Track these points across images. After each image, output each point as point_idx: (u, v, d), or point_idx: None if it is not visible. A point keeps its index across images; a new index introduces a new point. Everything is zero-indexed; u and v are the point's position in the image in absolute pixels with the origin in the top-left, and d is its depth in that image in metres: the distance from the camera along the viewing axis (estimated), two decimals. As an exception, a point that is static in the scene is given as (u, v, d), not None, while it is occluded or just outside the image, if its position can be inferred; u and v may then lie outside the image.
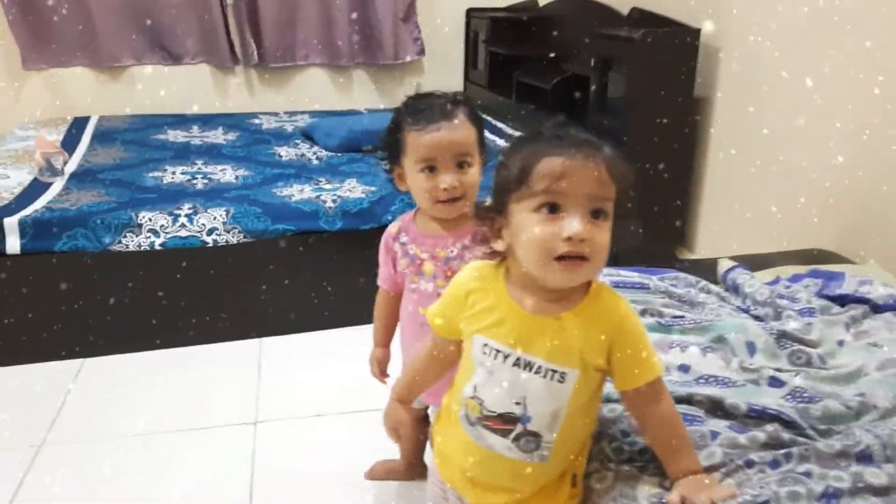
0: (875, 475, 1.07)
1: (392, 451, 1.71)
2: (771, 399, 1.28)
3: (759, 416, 1.23)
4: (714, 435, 1.18)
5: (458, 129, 1.34)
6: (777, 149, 2.43)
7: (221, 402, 2.13)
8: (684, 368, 1.39)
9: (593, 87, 2.95)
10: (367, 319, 1.60)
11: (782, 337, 1.48)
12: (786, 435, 1.18)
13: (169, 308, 2.39)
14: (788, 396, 1.30)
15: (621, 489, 1.08)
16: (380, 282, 1.54)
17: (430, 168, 1.34)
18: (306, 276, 2.51)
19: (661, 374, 1.03)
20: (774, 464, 1.13)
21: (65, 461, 1.89)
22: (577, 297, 1.01)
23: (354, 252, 2.54)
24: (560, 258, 0.94)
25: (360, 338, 2.45)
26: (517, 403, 1.02)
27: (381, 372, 1.61)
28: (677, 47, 2.69)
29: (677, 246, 2.96)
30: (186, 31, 3.70)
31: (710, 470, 1.09)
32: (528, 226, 0.96)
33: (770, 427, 1.19)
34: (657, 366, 1.02)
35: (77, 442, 1.96)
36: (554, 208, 0.95)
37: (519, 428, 1.02)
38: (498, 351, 1.02)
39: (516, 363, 1.01)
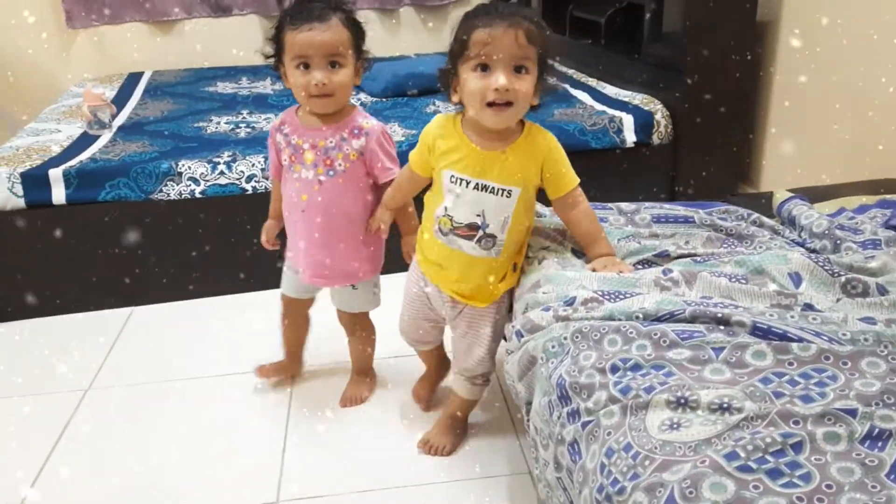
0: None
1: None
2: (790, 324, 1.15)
3: (763, 336, 1.12)
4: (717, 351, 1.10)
5: (330, 31, 1.50)
6: (850, 75, 2.21)
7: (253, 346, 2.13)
8: (706, 298, 1.27)
9: (647, 16, 2.76)
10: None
11: (835, 265, 1.34)
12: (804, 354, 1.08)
13: (210, 255, 2.39)
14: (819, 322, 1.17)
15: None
16: (270, 173, 1.77)
17: (305, 65, 1.52)
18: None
19: (576, 184, 1.46)
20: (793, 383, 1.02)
21: (112, 405, 1.93)
22: (515, 136, 1.41)
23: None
24: (491, 104, 1.31)
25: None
26: (478, 216, 1.42)
27: (268, 240, 1.80)
28: (737, -33, 2.48)
29: (739, 182, 2.78)
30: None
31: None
32: (468, 81, 1.33)
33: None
34: (574, 180, 1.45)
35: (128, 385, 2.01)
36: (485, 67, 1.31)
37: (480, 233, 1.43)
38: (462, 179, 1.41)
39: (476, 187, 1.40)
